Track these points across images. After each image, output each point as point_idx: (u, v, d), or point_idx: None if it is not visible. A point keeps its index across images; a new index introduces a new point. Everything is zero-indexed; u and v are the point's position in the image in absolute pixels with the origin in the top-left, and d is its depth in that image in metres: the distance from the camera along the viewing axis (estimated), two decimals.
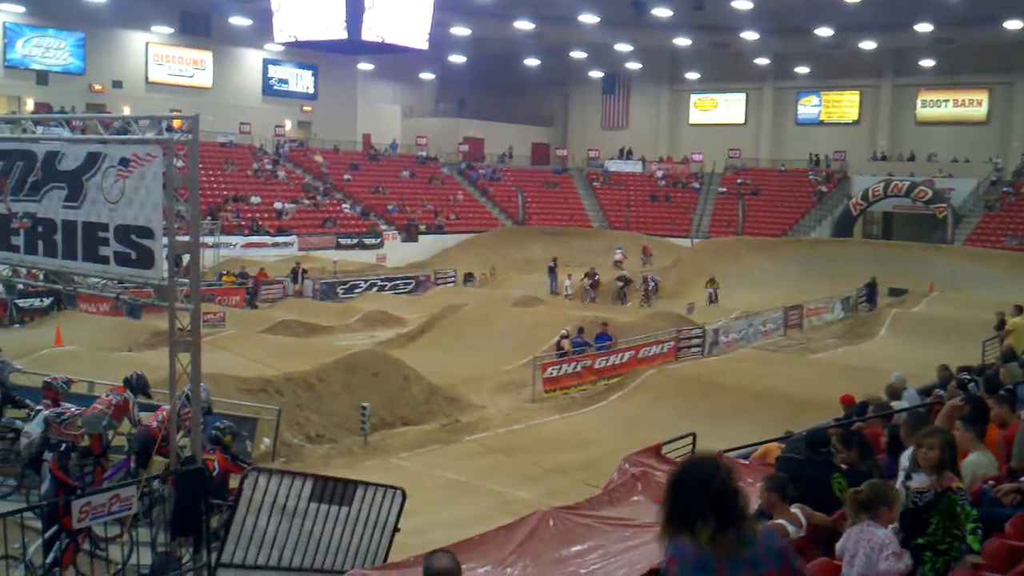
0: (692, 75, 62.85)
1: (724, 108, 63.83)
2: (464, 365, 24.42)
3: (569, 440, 18.87)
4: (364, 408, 18.76)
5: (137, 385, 11.35)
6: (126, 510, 8.99)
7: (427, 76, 67.20)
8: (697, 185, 58.13)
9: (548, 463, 17.22)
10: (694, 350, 26.89)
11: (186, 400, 10.26)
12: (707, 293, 37.43)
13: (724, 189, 56.85)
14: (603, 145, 63.16)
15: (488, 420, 20.28)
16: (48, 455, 9.88)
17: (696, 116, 64.50)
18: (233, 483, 9.98)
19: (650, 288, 38.52)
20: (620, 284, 39.14)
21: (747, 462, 9.40)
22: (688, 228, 54.40)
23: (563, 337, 24.55)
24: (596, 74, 64.63)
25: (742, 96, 62.84)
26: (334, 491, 9.78)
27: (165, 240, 9.19)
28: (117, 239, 9.33)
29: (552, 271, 42.45)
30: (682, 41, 56.13)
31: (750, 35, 53.46)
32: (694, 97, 64.49)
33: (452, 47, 59.07)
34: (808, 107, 61.10)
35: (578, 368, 23.54)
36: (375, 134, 60.43)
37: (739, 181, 57.07)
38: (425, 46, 42.56)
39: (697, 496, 3.62)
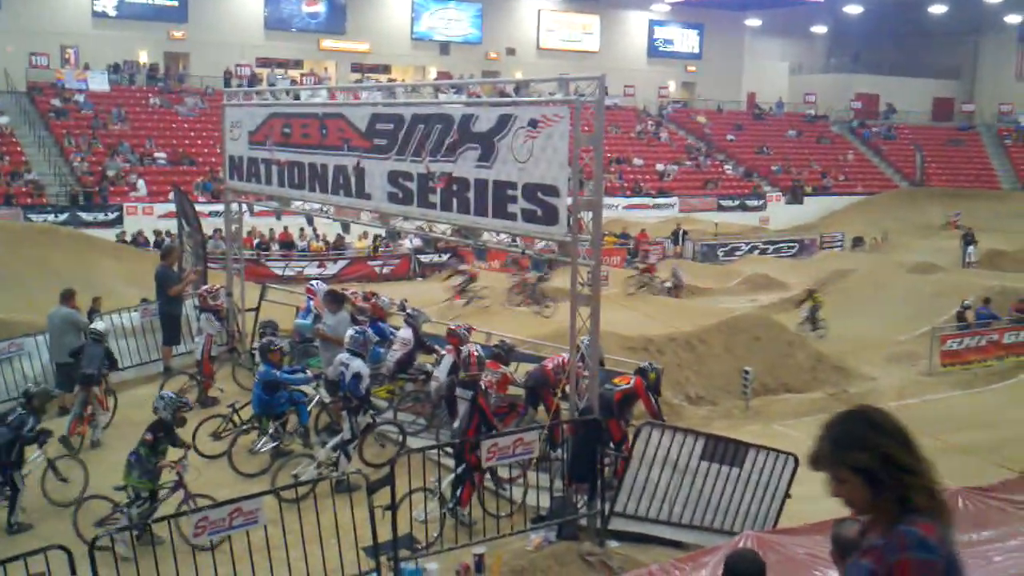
0: None
1: None
2: (852, 333, 23.40)
3: (973, 418, 17.51)
4: (746, 372, 18.55)
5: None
6: (528, 453, 9.53)
7: (818, 29, 64.38)
8: None
9: (949, 441, 16.06)
10: None
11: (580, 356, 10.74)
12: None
13: None
14: (1017, 99, 57.17)
15: (879, 392, 19.29)
16: (464, 392, 10.61)
17: None
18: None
19: None
20: None
21: None
22: None
23: (965, 308, 22.73)
24: (1013, 19, 58.37)
25: None
26: (725, 451, 9.76)
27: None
28: (524, 196, 9.79)
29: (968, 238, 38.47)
30: None
31: None
32: None
33: None
34: None
35: (983, 342, 21.69)
36: (760, 92, 59.02)
37: None
38: None
39: None
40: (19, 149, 37.64)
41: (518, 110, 9.93)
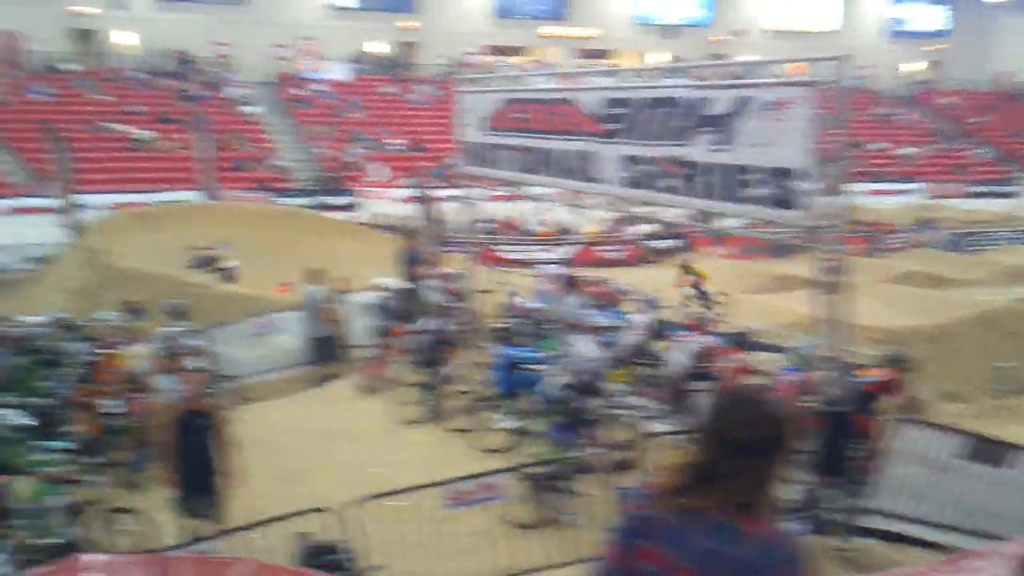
0: None
1: None
2: None
3: None
4: (1002, 369, 17.32)
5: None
6: None
7: None
8: None
9: None
10: None
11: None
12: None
13: None
14: None
15: None
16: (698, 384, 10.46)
17: None
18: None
19: None
20: None
21: None
22: None
23: None
24: None
25: None
26: (990, 451, 9.12)
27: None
28: (763, 181, 9.44)
29: None
30: None
31: None
32: None
33: None
34: None
35: None
36: (1016, 71, 54.81)
37: None
38: None
39: None
40: (267, 137, 40.18)
41: (757, 92, 9.59)
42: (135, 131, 37.87)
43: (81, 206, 25.20)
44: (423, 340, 13.93)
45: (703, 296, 20.08)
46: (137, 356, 12.28)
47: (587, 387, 11.07)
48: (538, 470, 9.84)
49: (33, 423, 10.08)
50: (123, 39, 44.14)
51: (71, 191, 24.79)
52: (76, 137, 33.92)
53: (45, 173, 31.61)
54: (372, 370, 14.82)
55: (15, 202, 32.60)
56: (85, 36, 43.64)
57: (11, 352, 13.28)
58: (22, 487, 8.68)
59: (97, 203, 27.92)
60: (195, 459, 8.83)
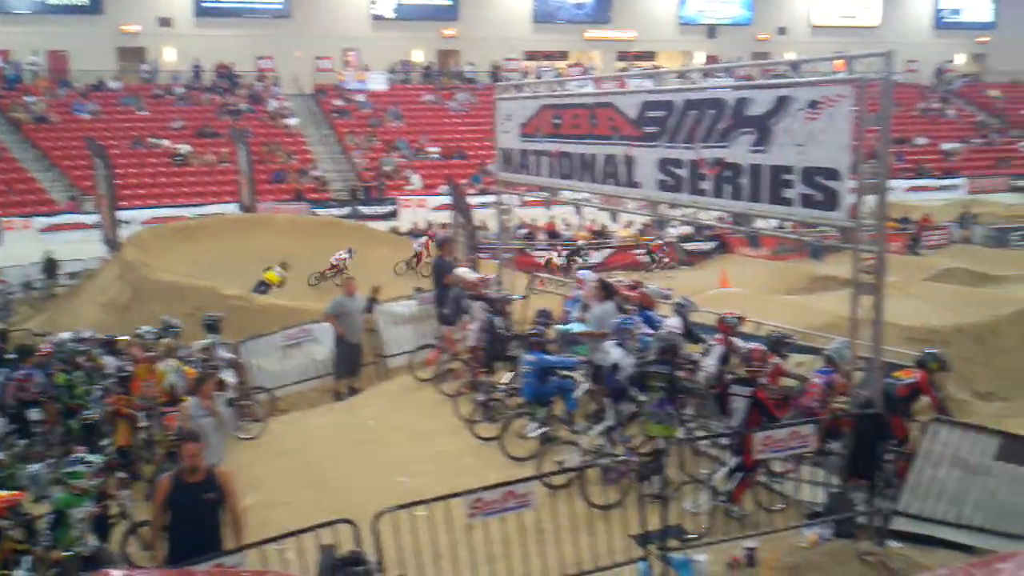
0: None
1: None
2: None
3: None
4: None
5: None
6: (803, 447, 9.14)
7: None
8: None
9: None
10: None
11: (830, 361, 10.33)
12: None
13: None
14: None
15: None
16: (741, 389, 10.31)
17: None
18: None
19: None
20: None
21: None
22: None
23: None
24: None
25: None
26: (1022, 451, 8.93)
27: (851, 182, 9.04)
28: (803, 181, 9.37)
29: None
30: None
31: None
32: None
33: None
34: None
35: None
36: None
37: None
38: None
39: None
40: (306, 148, 40.55)
41: (797, 91, 9.51)
42: (177, 146, 38.41)
43: (121, 221, 25.60)
44: (480, 338, 13.99)
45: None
46: (172, 370, 12.39)
47: (675, 358, 10.87)
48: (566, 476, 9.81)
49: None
50: (169, 56, 44.85)
51: (112, 206, 25.20)
52: (119, 153, 34.55)
53: (88, 190, 32.22)
54: (431, 360, 15.05)
55: (57, 219, 33.28)
56: (132, 54, 44.40)
57: (51, 367, 13.52)
58: (51, 499, 8.80)
59: (138, 218, 28.43)
60: (192, 537, 7.81)
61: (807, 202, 9.36)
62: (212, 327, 14.34)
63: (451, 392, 13.76)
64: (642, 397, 10.74)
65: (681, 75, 14.61)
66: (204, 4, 45.46)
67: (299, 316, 17.47)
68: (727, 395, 10.54)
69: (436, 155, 41.23)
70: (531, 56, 50.15)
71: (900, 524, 9.05)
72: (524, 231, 33.44)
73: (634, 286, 14.89)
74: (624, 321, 11.89)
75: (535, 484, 8.42)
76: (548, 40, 50.92)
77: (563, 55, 51.34)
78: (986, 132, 47.05)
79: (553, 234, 34.09)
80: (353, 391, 15.71)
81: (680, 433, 10.45)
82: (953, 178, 43.16)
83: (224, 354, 13.90)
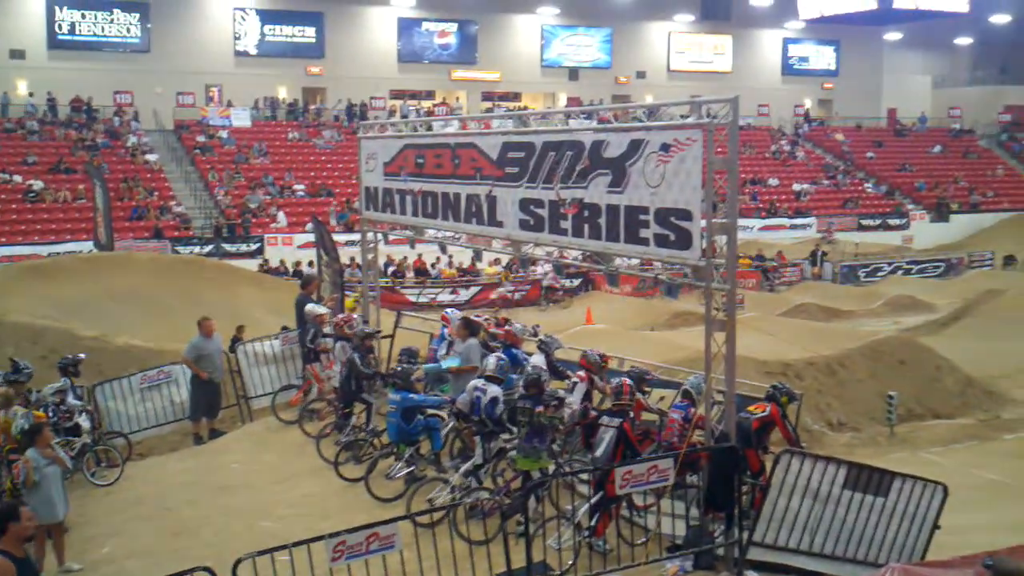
0: None
1: None
2: (1005, 357, 22.22)
3: None
4: (891, 397, 17.85)
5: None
6: (663, 481, 9.36)
7: (963, 41, 61.97)
8: None
9: None
10: None
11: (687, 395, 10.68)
12: None
13: None
14: None
15: None
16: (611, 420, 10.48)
17: None
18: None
19: None
20: None
21: None
22: None
23: None
24: None
25: None
26: (869, 480, 9.36)
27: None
28: (657, 221, 9.64)
29: None
30: None
31: None
32: None
33: (993, 6, 53.75)
34: None
35: None
36: (901, 108, 57.22)
37: None
38: (966, 8, 39.32)
39: None
40: (167, 184, 39.53)
41: (650, 135, 9.79)
42: (29, 182, 36.88)
43: None
44: (340, 375, 13.86)
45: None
46: (20, 415, 11.82)
47: (540, 393, 10.94)
48: (432, 516, 9.79)
49: None
50: (22, 89, 43.23)
51: None
52: None
53: None
54: (295, 401, 14.94)
55: None
56: None
57: None
58: None
59: None
60: None
61: (662, 242, 9.63)
62: (65, 370, 13.77)
63: (315, 433, 13.57)
64: (511, 432, 10.86)
65: (543, 116, 14.91)
66: (59, 36, 44.04)
67: (160, 358, 16.97)
68: (594, 428, 10.71)
69: (302, 192, 40.78)
70: (398, 95, 50.28)
71: (756, 554, 9.32)
72: (392, 268, 33.39)
73: (501, 323, 15.02)
74: (501, 359, 12.02)
75: (398, 525, 8.36)
76: (415, 79, 51.19)
77: (430, 94, 51.67)
78: (834, 174, 49.43)
79: (421, 272, 34.14)
80: (216, 433, 15.35)
81: (552, 467, 10.58)
82: (804, 217, 45.16)
83: (73, 400, 13.34)
